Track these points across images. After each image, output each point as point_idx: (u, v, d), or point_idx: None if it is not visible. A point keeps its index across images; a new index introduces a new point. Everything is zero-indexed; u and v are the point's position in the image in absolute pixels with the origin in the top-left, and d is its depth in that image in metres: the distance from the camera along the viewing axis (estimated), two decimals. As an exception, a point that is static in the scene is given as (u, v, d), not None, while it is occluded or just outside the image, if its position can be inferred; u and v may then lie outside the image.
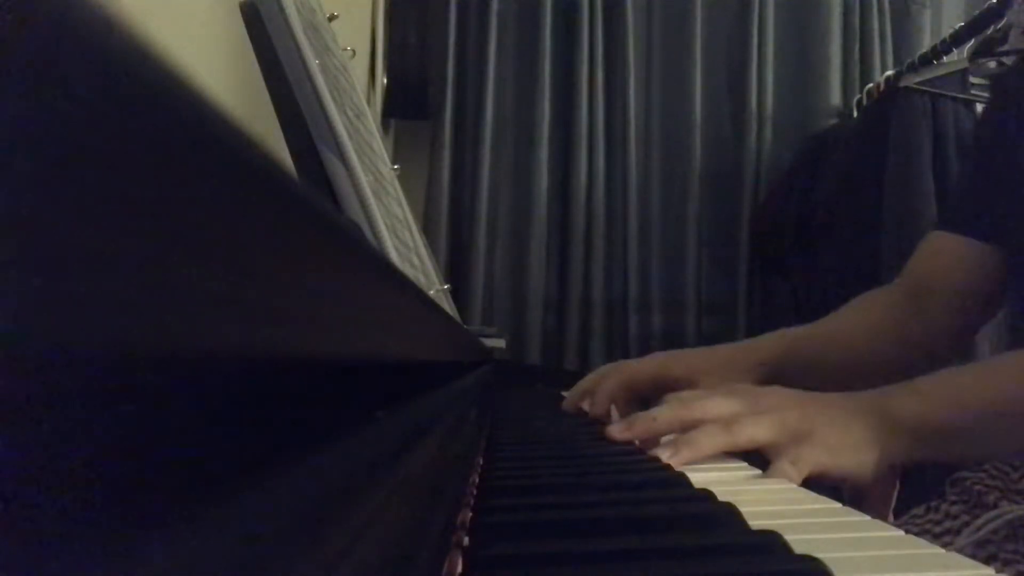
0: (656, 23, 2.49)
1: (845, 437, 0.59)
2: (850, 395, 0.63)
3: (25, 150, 0.06)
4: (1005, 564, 0.61)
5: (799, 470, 0.55)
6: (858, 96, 2.27)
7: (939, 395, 0.63)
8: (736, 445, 0.57)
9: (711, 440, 0.56)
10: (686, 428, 0.58)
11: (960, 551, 0.32)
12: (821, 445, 0.57)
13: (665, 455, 0.55)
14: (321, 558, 0.14)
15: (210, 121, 0.09)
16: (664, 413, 0.61)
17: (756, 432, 0.57)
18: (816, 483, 0.56)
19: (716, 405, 0.60)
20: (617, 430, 0.62)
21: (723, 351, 0.92)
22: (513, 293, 2.34)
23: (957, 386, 0.64)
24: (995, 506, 0.66)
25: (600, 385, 0.85)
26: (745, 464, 0.56)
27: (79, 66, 0.07)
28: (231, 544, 0.11)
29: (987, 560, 0.60)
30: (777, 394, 0.63)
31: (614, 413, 0.81)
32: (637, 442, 0.62)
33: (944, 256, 0.89)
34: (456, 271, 2.28)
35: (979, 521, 0.64)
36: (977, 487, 0.70)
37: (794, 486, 0.50)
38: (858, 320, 0.93)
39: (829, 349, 0.89)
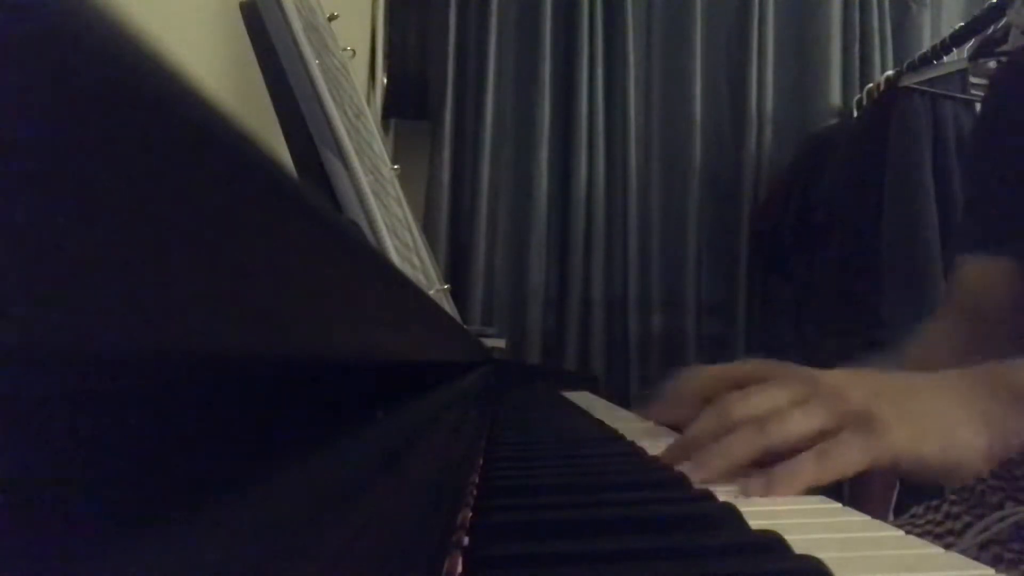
0: (656, 23, 2.49)
1: (930, 418, 0.46)
2: (951, 371, 0.51)
3: (25, 150, 0.06)
4: (1011, 564, 0.60)
5: (825, 464, 0.43)
6: (858, 96, 2.28)
7: None
8: (773, 444, 0.46)
9: (741, 446, 0.46)
10: (767, 453, 0.47)
11: (965, 552, 0.32)
12: (886, 432, 0.45)
13: (686, 468, 0.46)
14: (322, 558, 0.14)
15: (210, 121, 0.09)
16: (702, 427, 0.50)
17: (796, 426, 0.45)
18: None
19: (757, 399, 0.49)
20: (695, 470, 0.49)
21: None
22: (513, 293, 2.34)
23: None
24: (1000, 506, 0.66)
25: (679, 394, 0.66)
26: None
27: (79, 66, 0.07)
28: (232, 544, 0.11)
29: (992, 561, 0.60)
30: (840, 374, 0.50)
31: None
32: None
33: (1000, 284, 0.79)
34: (456, 271, 2.28)
35: (984, 522, 0.63)
36: (980, 487, 0.70)
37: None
38: (929, 356, 0.81)
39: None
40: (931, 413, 0.47)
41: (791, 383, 0.50)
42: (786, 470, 0.44)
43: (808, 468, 0.44)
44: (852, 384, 0.48)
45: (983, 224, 0.83)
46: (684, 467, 0.48)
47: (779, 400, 0.48)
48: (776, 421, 0.46)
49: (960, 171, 1.84)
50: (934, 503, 0.73)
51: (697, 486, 0.43)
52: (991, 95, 0.95)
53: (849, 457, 0.44)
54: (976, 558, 0.30)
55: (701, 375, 0.64)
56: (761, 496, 0.42)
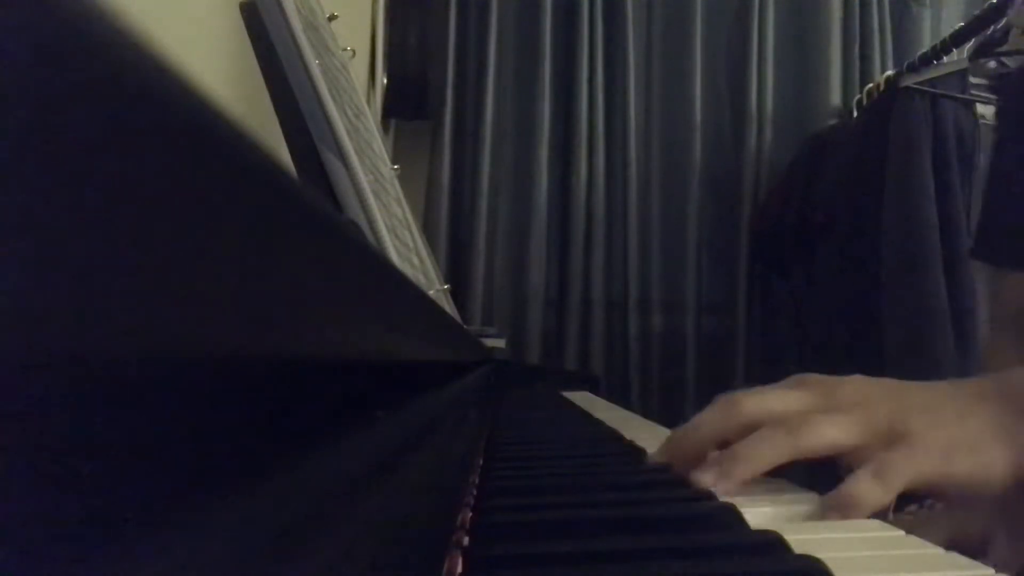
0: (656, 23, 2.49)
1: (957, 433, 0.44)
2: (965, 381, 0.49)
3: (24, 150, 0.06)
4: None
5: (887, 484, 0.41)
6: (858, 96, 2.28)
7: None
8: (803, 452, 0.43)
9: (769, 450, 0.42)
10: (738, 435, 0.44)
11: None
12: (922, 447, 0.42)
13: (708, 479, 0.42)
14: (322, 558, 0.14)
15: (210, 121, 0.09)
16: (706, 419, 0.46)
17: (830, 432, 0.43)
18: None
19: (777, 400, 0.45)
20: (658, 455, 0.49)
21: None
22: (513, 293, 2.34)
23: None
24: None
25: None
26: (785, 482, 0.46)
27: (79, 66, 0.07)
28: (232, 544, 0.11)
29: None
30: (861, 383, 0.47)
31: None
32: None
33: None
34: (456, 271, 2.28)
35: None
36: None
37: (793, 485, 0.46)
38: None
39: None
40: (959, 427, 0.44)
41: (811, 387, 0.46)
42: (848, 494, 0.40)
43: (870, 488, 0.40)
44: (877, 395, 0.45)
45: (1016, 238, 0.81)
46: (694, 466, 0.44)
47: (803, 403, 0.45)
48: (807, 427, 0.43)
49: (962, 174, 1.84)
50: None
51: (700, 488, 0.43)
52: (1007, 105, 0.94)
53: (902, 475, 0.41)
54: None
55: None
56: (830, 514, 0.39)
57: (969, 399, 0.46)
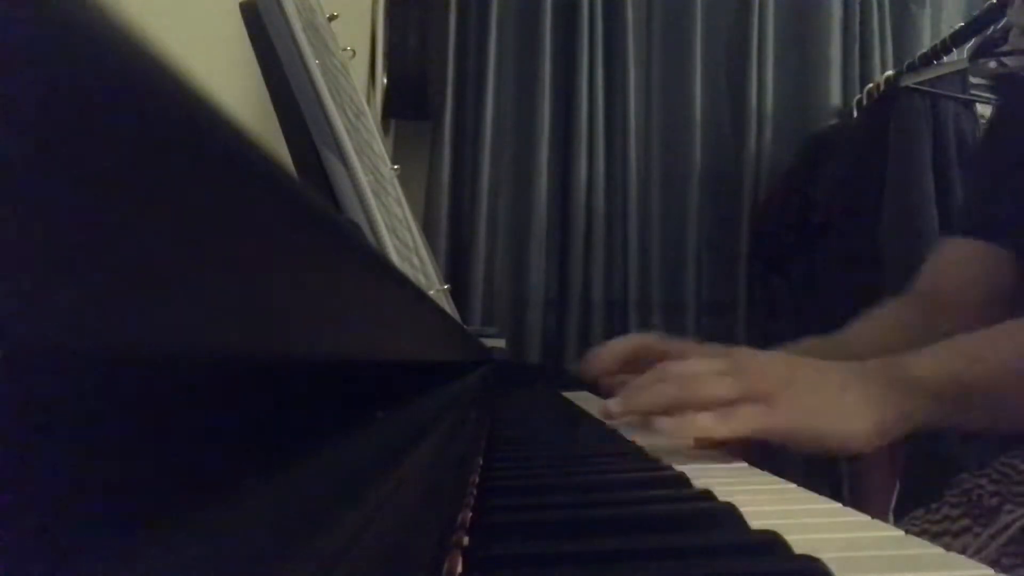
0: (656, 23, 2.49)
1: (831, 401, 0.57)
2: (858, 362, 0.62)
3: (25, 151, 0.06)
4: (1008, 569, 0.60)
5: (728, 424, 0.53)
6: (858, 96, 2.27)
7: (956, 351, 0.63)
8: (689, 400, 0.56)
9: (658, 396, 0.57)
10: (680, 407, 0.56)
11: (985, 555, 0.32)
12: (783, 408, 0.55)
13: (618, 405, 0.57)
14: (322, 558, 0.14)
15: (210, 121, 0.09)
16: (642, 377, 0.60)
17: (710, 390, 0.55)
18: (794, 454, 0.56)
19: (691, 364, 0.59)
20: (615, 404, 0.60)
21: None
22: (513, 293, 2.34)
23: (974, 344, 0.64)
24: (998, 509, 0.66)
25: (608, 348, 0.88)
26: (745, 464, 0.54)
27: (79, 66, 0.07)
28: (231, 544, 0.11)
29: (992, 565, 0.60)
30: (760, 358, 0.61)
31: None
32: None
33: (965, 265, 0.87)
34: (456, 271, 2.28)
35: (989, 530, 0.63)
36: (977, 491, 0.70)
37: (794, 485, 0.48)
38: (873, 332, 0.92)
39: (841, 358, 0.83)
40: (825, 395, 0.57)
41: (726, 357, 0.60)
42: (689, 418, 0.54)
43: (708, 420, 0.54)
44: (765, 366, 0.59)
45: (980, 209, 0.84)
46: (611, 402, 0.59)
47: (707, 367, 0.58)
48: (697, 383, 0.56)
49: (961, 174, 1.84)
50: (933, 506, 0.73)
51: (678, 467, 0.45)
52: (1000, 104, 0.97)
53: (742, 421, 0.54)
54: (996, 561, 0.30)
55: (621, 343, 0.86)
56: (667, 434, 0.54)
57: (853, 376, 0.59)
